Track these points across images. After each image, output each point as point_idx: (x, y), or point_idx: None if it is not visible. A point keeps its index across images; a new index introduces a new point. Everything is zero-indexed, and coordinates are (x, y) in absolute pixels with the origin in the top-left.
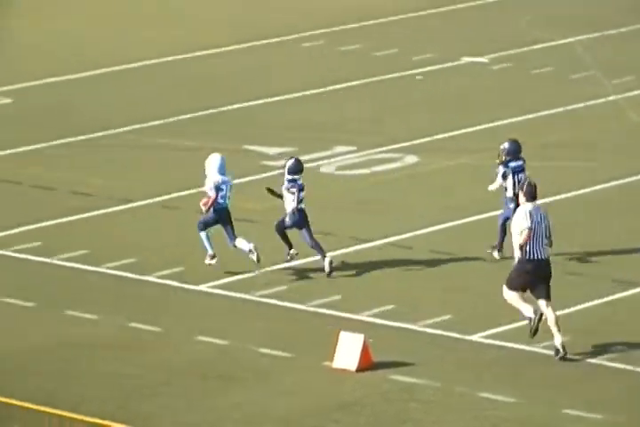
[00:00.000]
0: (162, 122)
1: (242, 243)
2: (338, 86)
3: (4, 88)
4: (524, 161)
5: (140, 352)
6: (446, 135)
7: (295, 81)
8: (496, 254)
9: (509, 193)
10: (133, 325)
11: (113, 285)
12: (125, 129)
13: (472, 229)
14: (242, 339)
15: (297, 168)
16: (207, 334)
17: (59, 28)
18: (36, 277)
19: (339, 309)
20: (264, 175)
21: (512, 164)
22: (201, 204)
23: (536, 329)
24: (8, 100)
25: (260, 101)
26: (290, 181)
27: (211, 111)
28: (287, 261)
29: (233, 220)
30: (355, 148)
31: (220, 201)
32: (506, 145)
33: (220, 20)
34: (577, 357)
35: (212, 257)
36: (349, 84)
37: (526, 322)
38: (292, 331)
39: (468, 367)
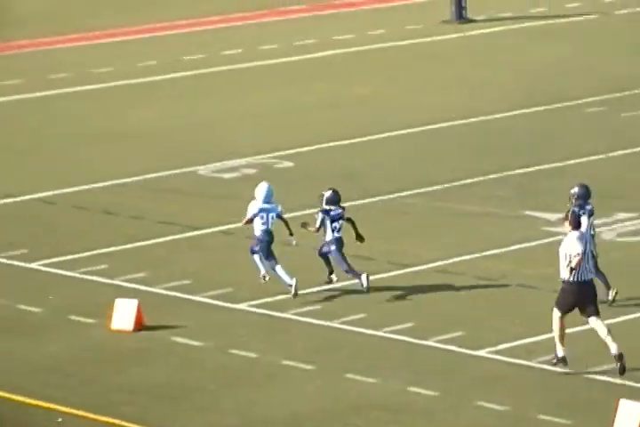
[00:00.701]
0: (445, 186)
1: (281, 272)
2: (620, 152)
3: (286, 152)
4: (592, 205)
5: (418, 417)
6: None
7: (576, 147)
8: (610, 296)
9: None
10: (412, 389)
11: (392, 348)
12: (408, 193)
13: None
14: (521, 405)
15: (334, 199)
16: (488, 400)
17: (337, 92)
18: (316, 339)
19: (618, 376)
20: (545, 241)
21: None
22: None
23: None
24: (290, 164)
25: (542, 167)
26: (324, 211)
27: (493, 176)
28: (327, 282)
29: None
30: (636, 214)
31: (263, 227)
32: (576, 189)
33: (502, 87)
34: None
35: (264, 277)
36: (632, 150)
37: None
38: (572, 397)
39: None
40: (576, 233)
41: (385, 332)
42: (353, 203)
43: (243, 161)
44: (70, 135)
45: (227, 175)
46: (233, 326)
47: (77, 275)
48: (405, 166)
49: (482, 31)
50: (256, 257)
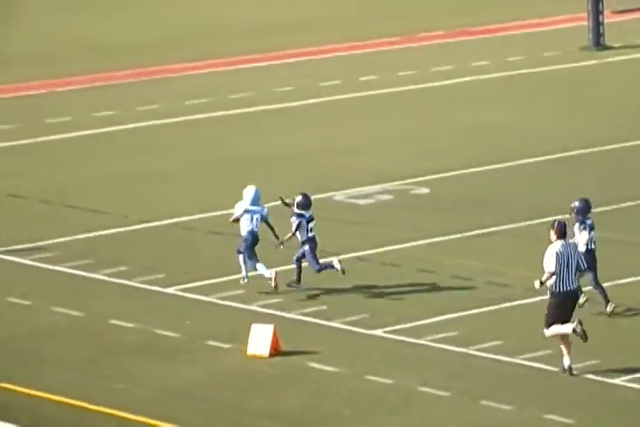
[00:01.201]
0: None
1: (261, 268)
2: None
3: (422, 178)
4: (592, 220)
5: None
6: None
7: None
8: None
9: (581, 249)
10: (548, 416)
11: (528, 375)
12: (544, 220)
13: None
14: None
15: (305, 203)
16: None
17: (474, 119)
18: (452, 366)
19: None
20: None
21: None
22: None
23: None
24: (425, 191)
25: None
26: (297, 215)
27: (630, 203)
28: (288, 284)
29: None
30: None
31: (248, 228)
32: (576, 204)
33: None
34: None
35: (244, 279)
36: None
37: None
38: None
39: None
40: (558, 244)
41: (521, 359)
42: (487, 230)
43: (378, 187)
44: (207, 160)
45: (362, 201)
46: (368, 352)
47: (214, 300)
48: (541, 193)
49: (620, 58)
50: (240, 258)
